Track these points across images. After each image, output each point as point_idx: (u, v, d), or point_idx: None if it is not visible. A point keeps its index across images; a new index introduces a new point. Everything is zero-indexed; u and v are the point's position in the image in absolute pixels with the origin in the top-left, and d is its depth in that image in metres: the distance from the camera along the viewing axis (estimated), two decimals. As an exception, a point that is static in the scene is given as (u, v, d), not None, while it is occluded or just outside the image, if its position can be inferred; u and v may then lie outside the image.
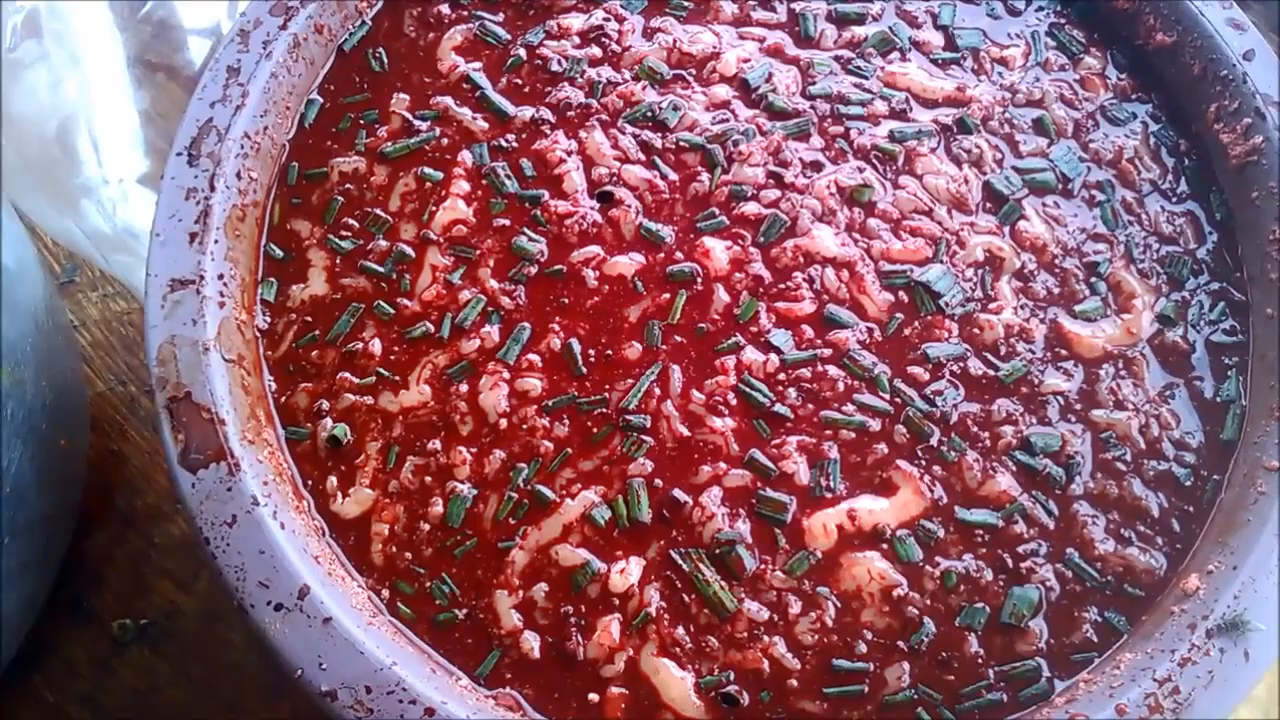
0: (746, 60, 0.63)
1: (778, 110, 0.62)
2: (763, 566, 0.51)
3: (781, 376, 0.55)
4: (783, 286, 0.57)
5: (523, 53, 0.64)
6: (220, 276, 0.55)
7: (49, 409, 0.59)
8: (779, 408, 0.54)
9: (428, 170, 0.60)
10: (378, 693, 0.46)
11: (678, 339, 0.56)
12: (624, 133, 0.61)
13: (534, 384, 0.55)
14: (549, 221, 0.58)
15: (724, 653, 0.50)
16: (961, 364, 0.56)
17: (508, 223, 0.59)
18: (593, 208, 0.59)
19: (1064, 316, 0.58)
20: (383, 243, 0.58)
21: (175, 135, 0.57)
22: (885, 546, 0.52)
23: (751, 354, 0.55)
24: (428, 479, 0.53)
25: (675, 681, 0.49)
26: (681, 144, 0.60)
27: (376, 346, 0.56)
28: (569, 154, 0.60)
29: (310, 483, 0.53)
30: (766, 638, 0.50)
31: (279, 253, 0.59)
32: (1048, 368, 0.56)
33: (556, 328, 0.56)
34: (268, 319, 0.57)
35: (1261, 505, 0.51)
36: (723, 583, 0.51)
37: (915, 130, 0.61)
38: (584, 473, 0.53)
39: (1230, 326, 0.58)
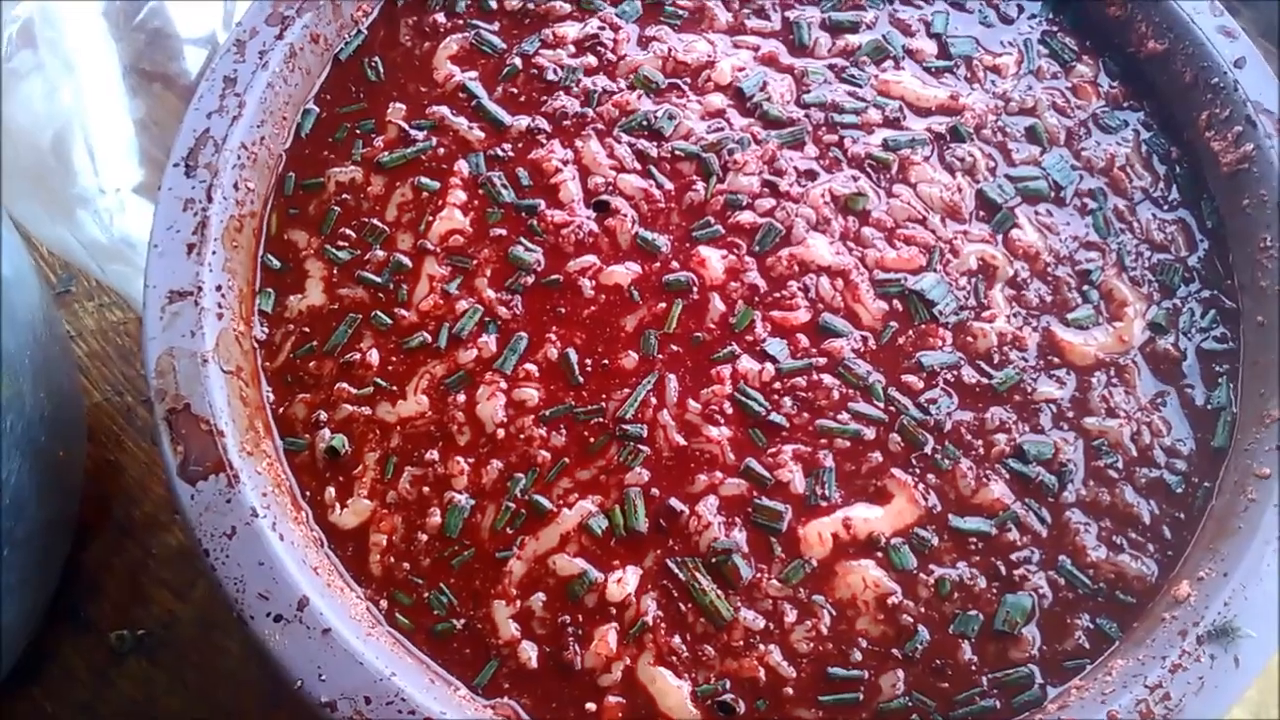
0: (741, 69, 0.63)
1: (772, 119, 0.62)
2: (758, 575, 0.51)
3: (777, 385, 0.55)
4: (778, 295, 0.57)
5: (518, 62, 0.64)
6: (218, 288, 0.55)
7: (47, 420, 0.59)
8: (774, 416, 0.54)
9: (424, 180, 0.60)
10: (377, 703, 0.46)
11: (674, 348, 0.56)
12: (619, 142, 0.61)
13: (531, 394, 0.55)
14: (545, 231, 0.59)
15: (720, 661, 0.50)
16: (955, 372, 0.56)
17: (504, 232, 0.59)
18: (589, 217, 0.59)
19: (1056, 324, 0.58)
20: (380, 253, 0.59)
21: (172, 146, 0.57)
22: (880, 554, 0.52)
23: (747, 363, 0.55)
24: (425, 489, 0.53)
25: (672, 690, 0.49)
26: (677, 153, 0.61)
27: (374, 357, 0.56)
28: (565, 163, 0.60)
29: (309, 494, 0.54)
30: (762, 646, 0.50)
31: (276, 263, 0.59)
32: (1040, 375, 0.57)
33: (553, 337, 0.56)
34: (265, 330, 0.57)
35: (1252, 512, 0.52)
36: (719, 591, 0.51)
37: (909, 139, 0.62)
38: (581, 482, 0.53)
39: (1221, 334, 0.58)
